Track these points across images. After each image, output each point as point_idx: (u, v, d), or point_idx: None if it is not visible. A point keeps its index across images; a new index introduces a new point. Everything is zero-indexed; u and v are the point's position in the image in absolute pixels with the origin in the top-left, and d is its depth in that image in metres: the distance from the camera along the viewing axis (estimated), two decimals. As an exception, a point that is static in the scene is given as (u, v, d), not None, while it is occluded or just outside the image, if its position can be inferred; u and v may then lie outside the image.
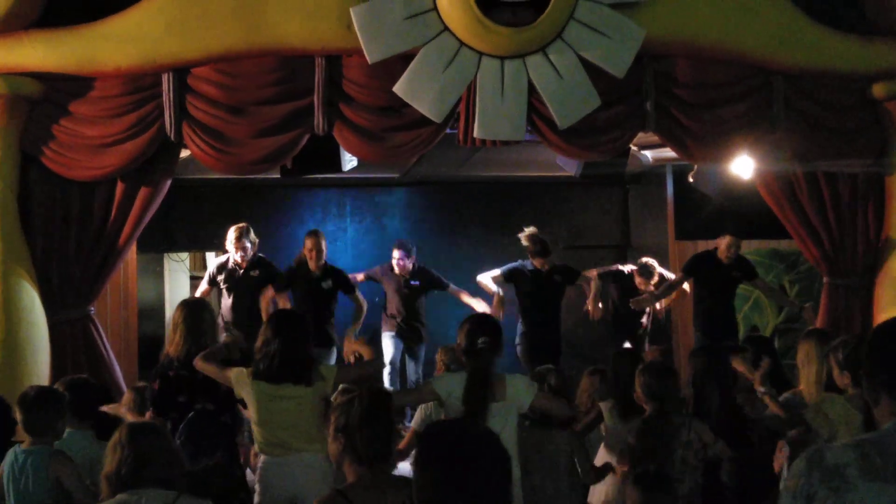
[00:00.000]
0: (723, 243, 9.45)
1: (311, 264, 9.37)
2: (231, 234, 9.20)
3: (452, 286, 10.17)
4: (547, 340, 9.48)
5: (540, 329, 9.55)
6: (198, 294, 9.35)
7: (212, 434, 6.00)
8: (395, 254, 10.10)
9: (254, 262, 9.31)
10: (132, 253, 8.94)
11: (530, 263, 9.68)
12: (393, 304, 10.19)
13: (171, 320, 6.38)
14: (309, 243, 9.37)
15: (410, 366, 10.29)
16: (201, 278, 13.04)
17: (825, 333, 6.65)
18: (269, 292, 9.20)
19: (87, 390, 5.92)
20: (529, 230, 9.65)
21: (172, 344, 6.27)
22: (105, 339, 8.03)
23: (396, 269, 10.12)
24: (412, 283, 10.13)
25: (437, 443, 2.52)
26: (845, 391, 5.57)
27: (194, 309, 6.39)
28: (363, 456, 3.94)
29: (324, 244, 9.43)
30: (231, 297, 9.30)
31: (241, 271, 9.26)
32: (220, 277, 9.34)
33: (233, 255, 9.25)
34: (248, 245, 9.21)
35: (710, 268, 9.54)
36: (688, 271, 9.72)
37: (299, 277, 9.42)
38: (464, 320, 5.58)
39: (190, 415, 6.08)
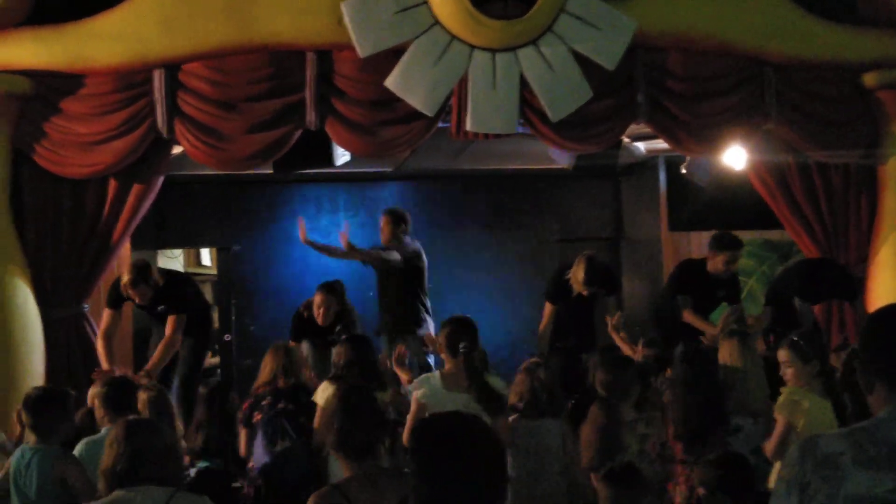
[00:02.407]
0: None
1: (319, 320, 8.56)
2: (123, 278, 7.90)
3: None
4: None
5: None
6: (103, 320, 8.02)
7: (286, 429, 6.53)
8: (383, 219, 9.30)
9: (158, 296, 8.08)
10: (125, 250, 8.90)
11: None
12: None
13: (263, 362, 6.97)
14: (318, 299, 8.52)
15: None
16: (196, 275, 13.08)
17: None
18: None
19: (124, 387, 5.99)
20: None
21: (259, 381, 6.87)
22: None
23: (382, 239, 9.24)
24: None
25: (433, 437, 2.51)
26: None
27: (281, 351, 7.00)
28: (345, 450, 3.96)
29: (334, 303, 8.52)
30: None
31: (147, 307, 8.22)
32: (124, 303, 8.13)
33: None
34: (147, 289, 7.96)
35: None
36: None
37: (307, 329, 8.73)
38: (445, 321, 6.24)
39: (270, 412, 6.60)
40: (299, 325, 8.82)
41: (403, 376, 6.83)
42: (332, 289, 8.65)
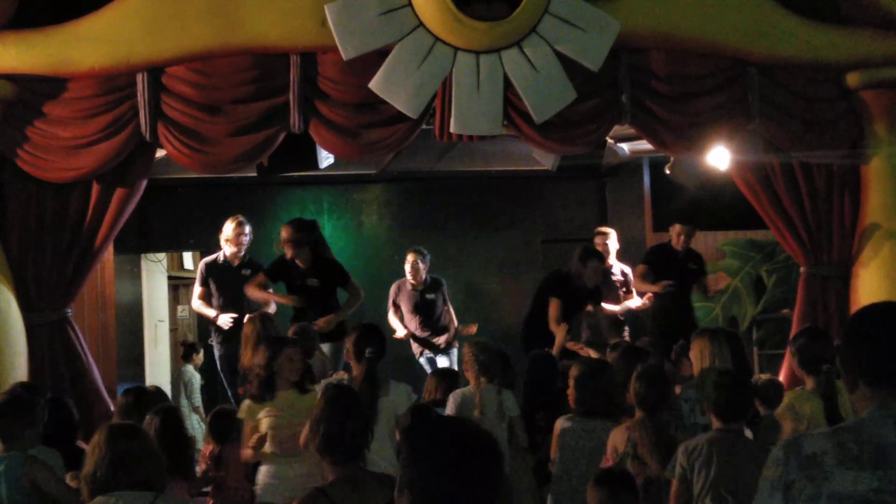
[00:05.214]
0: (673, 232, 9.55)
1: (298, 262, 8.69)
2: (229, 226, 8.91)
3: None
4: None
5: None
6: (194, 297, 9.03)
7: None
8: (410, 258, 9.68)
9: (246, 261, 9.01)
10: (109, 254, 8.88)
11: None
12: (413, 323, 9.74)
13: (242, 336, 7.17)
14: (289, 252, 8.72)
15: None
16: (179, 278, 13.03)
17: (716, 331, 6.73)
18: (253, 286, 8.64)
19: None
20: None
21: (245, 358, 6.90)
22: (83, 342, 7.97)
23: (410, 276, 9.66)
24: (427, 296, 9.69)
25: (427, 439, 2.48)
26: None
27: (260, 322, 7.17)
28: (332, 454, 3.95)
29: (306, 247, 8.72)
30: (221, 298, 8.92)
31: (233, 269, 8.93)
32: (211, 276, 8.96)
33: (226, 250, 8.95)
34: (246, 240, 8.95)
35: (664, 259, 9.49)
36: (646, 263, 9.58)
37: (287, 272, 8.80)
38: (353, 327, 6.47)
39: None
40: (279, 267, 8.84)
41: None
42: (303, 227, 8.81)
